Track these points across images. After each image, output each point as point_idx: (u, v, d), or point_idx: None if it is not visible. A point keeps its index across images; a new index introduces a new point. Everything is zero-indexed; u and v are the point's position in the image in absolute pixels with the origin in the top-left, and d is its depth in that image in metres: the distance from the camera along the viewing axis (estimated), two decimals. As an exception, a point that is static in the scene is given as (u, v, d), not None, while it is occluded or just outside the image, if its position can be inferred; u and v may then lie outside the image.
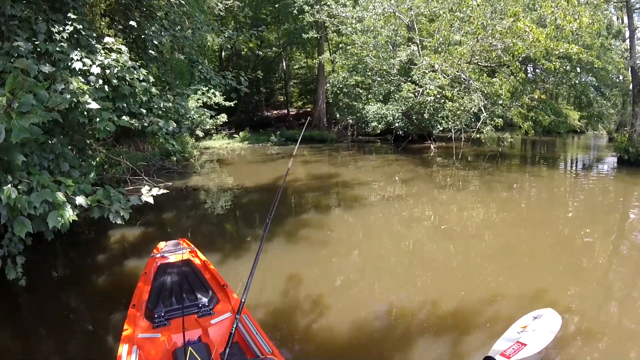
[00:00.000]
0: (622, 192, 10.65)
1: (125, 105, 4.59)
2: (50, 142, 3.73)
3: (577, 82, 17.24)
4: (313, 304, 4.30)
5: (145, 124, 4.64)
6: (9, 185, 2.47)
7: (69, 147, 4.17)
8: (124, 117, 4.17)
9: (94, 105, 3.31)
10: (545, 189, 10.89)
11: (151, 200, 3.25)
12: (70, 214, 2.57)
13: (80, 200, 2.70)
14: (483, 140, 16.42)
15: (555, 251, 6.05)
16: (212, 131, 20.42)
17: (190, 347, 2.33)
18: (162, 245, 4.15)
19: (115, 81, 4.30)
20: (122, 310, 3.48)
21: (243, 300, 2.70)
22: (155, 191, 3.32)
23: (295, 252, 5.93)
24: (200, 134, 18.19)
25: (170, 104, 5.47)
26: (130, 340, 2.55)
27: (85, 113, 3.45)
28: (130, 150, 13.22)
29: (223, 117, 19.76)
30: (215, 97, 17.94)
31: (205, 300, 2.93)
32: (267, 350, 2.46)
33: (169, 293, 3.01)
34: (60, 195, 2.54)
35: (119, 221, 2.91)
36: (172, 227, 7.45)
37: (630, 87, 15.95)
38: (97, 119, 3.44)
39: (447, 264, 5.62)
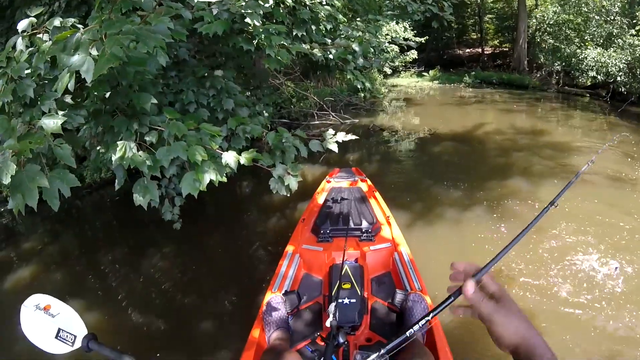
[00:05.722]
0: None
1: (305, 33, 3.79)
2: (212, 76, 3.19)
3: None
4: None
5: (330, 56, 3.77)
6: (123, 142, 1.89)
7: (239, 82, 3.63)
8: (303, 45, 3.32)
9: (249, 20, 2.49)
10: None
11: (335, 149, 2.47)
12: (212, 178, 1.86)
13: (228, 158, 1.97)
14: None
15: None
16: (400, 68, 19.16)
17: (346, 265, 2.38)
18: (336, 171, 4.32)
19: (289, 2, 3.45)
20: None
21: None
22: (341, 136, 2.50)
23: (499, 229, 4.65)
24: (388, 70, 17.29)
25: (361, 33, 4.46)
26: (295, 248, 2.84)
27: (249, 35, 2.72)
28: (318, 85, 13.25)
29: (413, 54, 18.26)
30: (404, 31, 16.42)
31: (368, 226, 3.00)
32: (417, 287, 2.43)
33: (336, 214, 3.14)
34: (200, 152, 1.84)
35: (283, 193, 2.13)
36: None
37: None
38: (265, 46, 2.67)
39: None
